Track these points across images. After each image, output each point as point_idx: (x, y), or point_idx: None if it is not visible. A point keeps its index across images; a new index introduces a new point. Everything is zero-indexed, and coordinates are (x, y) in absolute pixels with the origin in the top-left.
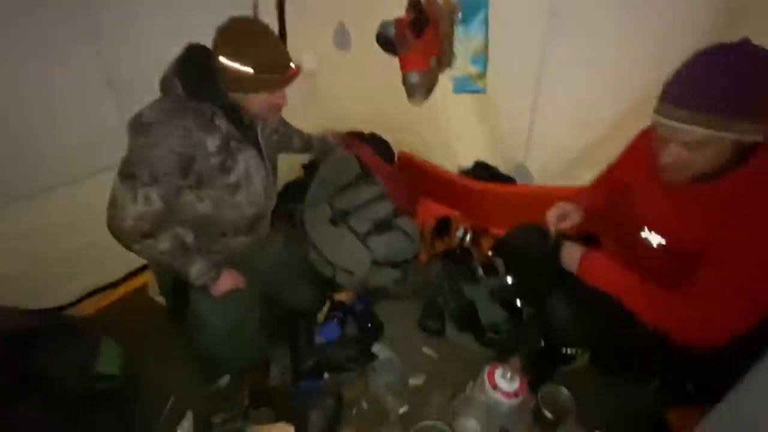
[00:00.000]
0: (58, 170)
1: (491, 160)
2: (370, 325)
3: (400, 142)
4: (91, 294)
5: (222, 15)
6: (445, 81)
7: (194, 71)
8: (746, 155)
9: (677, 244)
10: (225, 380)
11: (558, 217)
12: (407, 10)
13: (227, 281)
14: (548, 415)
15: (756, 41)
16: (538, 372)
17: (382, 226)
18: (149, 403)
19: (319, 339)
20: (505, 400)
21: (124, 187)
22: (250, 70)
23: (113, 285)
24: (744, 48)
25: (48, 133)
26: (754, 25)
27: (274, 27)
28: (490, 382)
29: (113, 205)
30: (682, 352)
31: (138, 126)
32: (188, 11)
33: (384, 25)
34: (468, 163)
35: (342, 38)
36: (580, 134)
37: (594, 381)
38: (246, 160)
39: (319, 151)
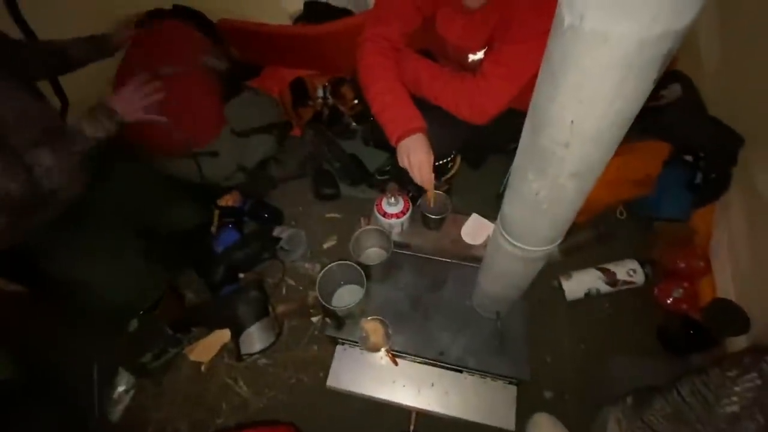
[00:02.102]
0: None
1: None
2: (266, 215)
3: (211, 13)
4: None
5: None
6: None
7: None
8: None
9: None
10: (134, 324)
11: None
12: None
13: (127, 99)
14: (432, 216)
15: None
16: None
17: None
18: (75, 385)
19: (219, 249)
20: (395, 221)
21: None
22: None
23: None
24: None
25: None
26: None
27: None
28: (379, 212)
29: None
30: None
31: None
32: None
33: None
34: (298, 6)
35: None
36: None
37: (464, 177)
38: None
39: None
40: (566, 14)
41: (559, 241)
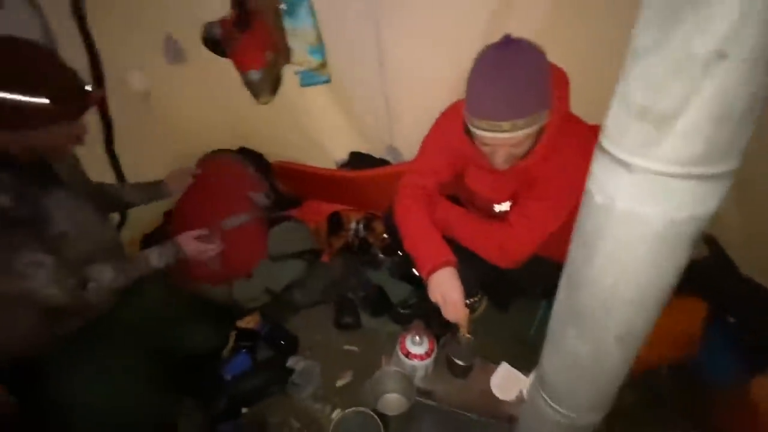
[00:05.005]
0: None
1: (363, 148)
2: (282, 342)
3: (270, 155)
4: None
5: None
6: (291, 78)
7: None
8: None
9: None
10: None
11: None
12: (232, 8)
13: (188, 240)
14: (459, 362)
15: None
16: (444, 326)
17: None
18: None
19: (227, 375)
20: (419, 363)
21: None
22: (45, 100)
23: None
24: (514, 45)
25: None
26: None
27: (81, 51)
28: (402, 352)
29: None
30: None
31: None
32: None
33: (208, 27)
34: (343, 155)
35: (173, 51)
36: (431, 104)
37: (491, 320)
38: (60, 205)
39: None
40: (596, 194)
41: (606, 411)
